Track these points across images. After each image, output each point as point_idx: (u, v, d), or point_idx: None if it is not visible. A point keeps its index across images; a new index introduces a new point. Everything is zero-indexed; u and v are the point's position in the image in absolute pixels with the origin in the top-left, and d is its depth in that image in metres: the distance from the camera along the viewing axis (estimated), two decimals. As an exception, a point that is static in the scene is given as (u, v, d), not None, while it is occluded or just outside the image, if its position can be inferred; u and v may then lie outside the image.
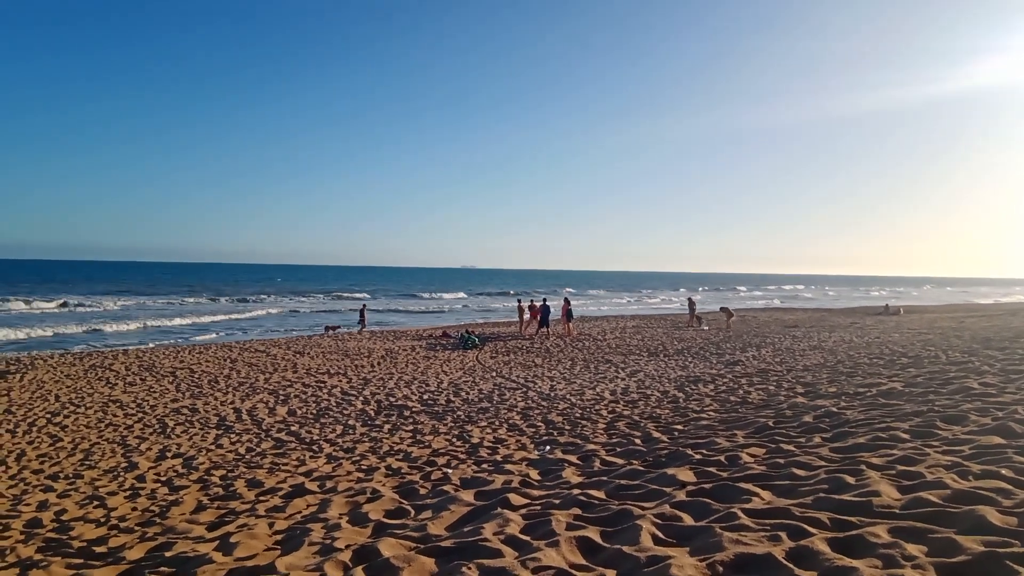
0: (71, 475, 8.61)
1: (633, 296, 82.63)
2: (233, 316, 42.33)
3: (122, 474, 8.55)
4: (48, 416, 12.39)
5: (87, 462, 9.27)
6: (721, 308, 34.56)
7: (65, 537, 5.99)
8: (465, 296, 75.37)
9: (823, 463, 5.57)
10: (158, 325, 35.46)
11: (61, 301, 48.49)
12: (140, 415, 12.45)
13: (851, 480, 4.79)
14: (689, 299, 36.17)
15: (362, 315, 33.14)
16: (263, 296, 64.87)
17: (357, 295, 69.75)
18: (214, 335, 31.09)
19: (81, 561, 5.13)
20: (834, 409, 8.34)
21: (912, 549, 3.45)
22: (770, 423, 7.95)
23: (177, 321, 37.55)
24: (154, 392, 14.85)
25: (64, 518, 6.72)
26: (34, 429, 11.39)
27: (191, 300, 57.08)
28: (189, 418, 12.09)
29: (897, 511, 4.06)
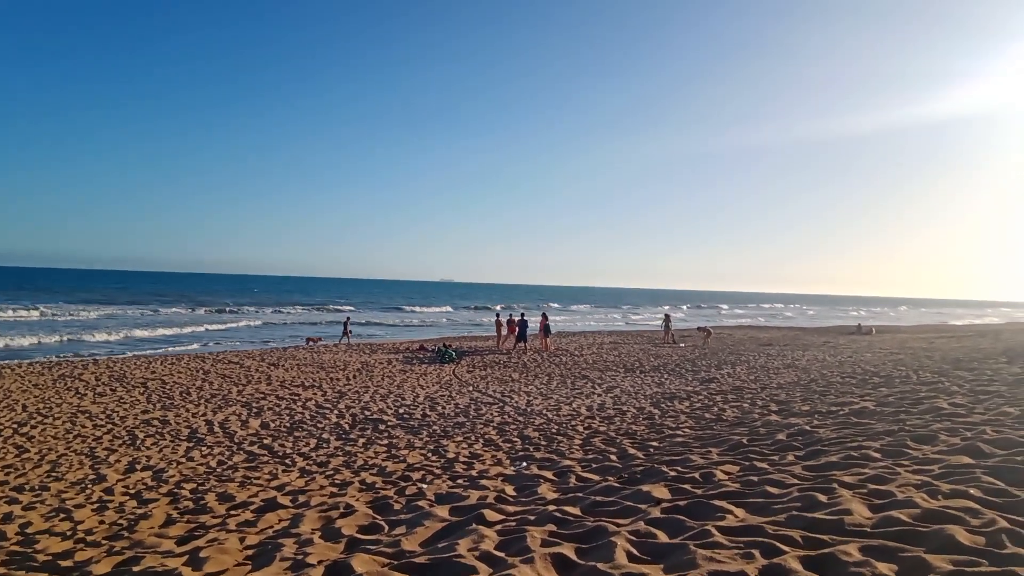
0: (37, 487, 8.42)
1: (613, 312, 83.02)
2: (212, 326, 42.06)
3: (90, 486, 8.39)
4: (14, 426, 12.13)
5: (54, 474, 9.08)
6: (699, 328, 34.83)
7: (30, 551, 5.86)
8: (451, 310, 75.03)
9: (796, 481, 5.61)
10: (143, 336, 35.12)
11: (38, 310, 47.70)
12: (109, 426, 12.24)
13: (823, 498, 4.83)
14: (666, 315, 36.42)
15: (346, 327, 33.07)
16: (243, 307, 64.12)
17: (340, 307, 69.30)
18: (196, 345, 30.76)
19: (46, 575, 5.02)
20: (807, 427, 8.42)
21: (882, 567, 3.48)
22: (744, 440, 8.01)
23: (160, 331, 37.15)
24: (124, 403, 14.61)
25: (29, 531, 6.58)
26: (-1, 439, 11.15)
27: (169, 310, 56.37)
28: (160, 430, 11.91)
29: (868, 529, 4.10)
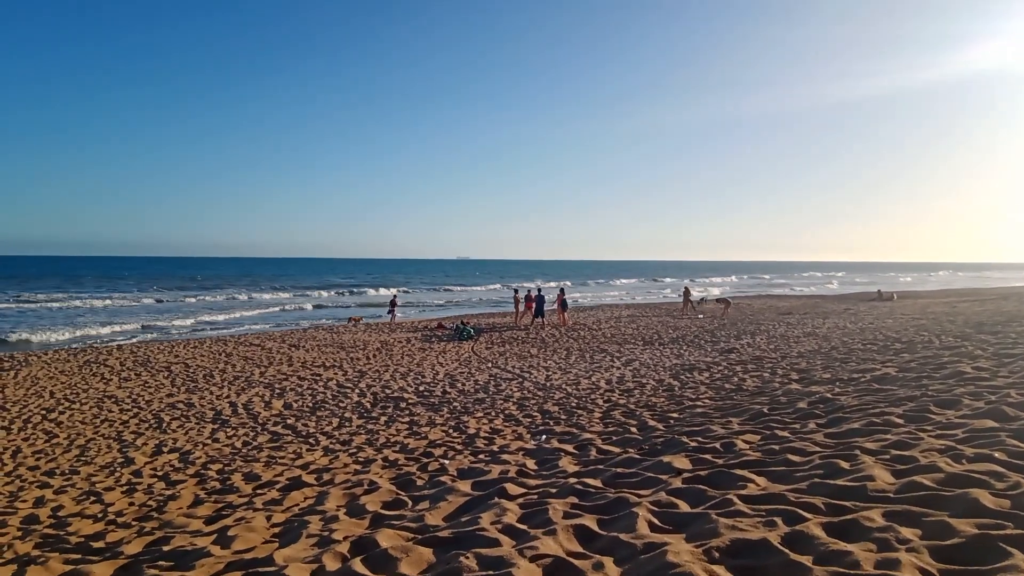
0: (67, 471, 8.59)
1: (631, 285, 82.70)
2: (266, 310, 43.58)
3: (118, 469, 8.55)
4: (43, 412, 12.36)
5: (83, 458, 9.25)
6: (717, 299, 34.68)
7: (63, 533, 6.00)
8: (499, 287, 74.39)
9: (818, 449, 5.60)
10: (210, 320, 36.29)
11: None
12: (136, 410, 12.43)
13: (846, 465, 4.82)
14: (685, 287, 36.24)
15: (392, 305, 33.44)
16: (275, 291, 64.90)
17: (358, 288, 69.42)
18: (265, 325, 32.28)
19: (79, 556, 5.13)
20: (828, 395, 8.38)
21: (906, 532, 3.48)
22: (765, 410, 7.99)
23: (239, 313, 39.47)
24: (149, 387, 14.82)
25: (61, 514, 6.72)
26: (29, 426, 11.36)
27: (230, 295, 57.83)
28: (185, 413, 12.08)
29: (891, 495, 4.09)
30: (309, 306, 47.63)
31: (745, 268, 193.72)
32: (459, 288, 75.21)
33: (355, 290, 68.00)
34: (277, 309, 44.59)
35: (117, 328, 30.97)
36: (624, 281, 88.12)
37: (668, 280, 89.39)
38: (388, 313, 33.01)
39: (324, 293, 63.03)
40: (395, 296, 36.69)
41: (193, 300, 52.14)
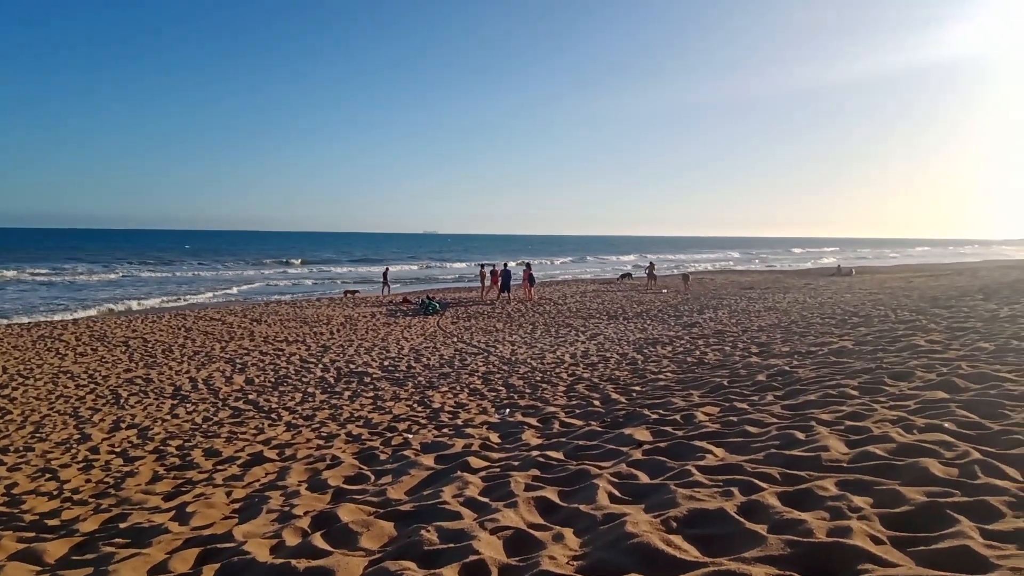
0: (21, 448, 8.39)
1: (596, 260, 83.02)
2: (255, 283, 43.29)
3: (75, 446, 8.38)
4: (-5, 389, 12.04)
5: (38, 435, 9.05)
6: (681, 273, 35.09)
7: (16, 511, 5.86)
8: (469, 263, 73.92)
9: (775, 420, 5.70)
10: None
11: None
12: (92, 386, 12.18)
13: (801, 436, 4.91)
14: (650, 263, 36.58)
15: (385, 277, 34.15)
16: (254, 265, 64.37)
17: (323, 265, 68.80)
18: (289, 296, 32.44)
19: (33, 534, 5.02)
20: (787, 368, 8.53)
21: (858, 501, 3.56)
22: (725, 382, 8.11)
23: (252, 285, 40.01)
24: (106, 362, 14.53)
25: (15, 492, 6.56)
26: (-19, 402, 11.07)
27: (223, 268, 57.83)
28: (143, 388, 11.87)
29: (845, 465, 4.18)
30: (284, 281, 46.99)
31: (720, 244, 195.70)
32: (426, 263, 74.89)
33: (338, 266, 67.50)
34: (261, 284, 44.27)
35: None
36: (592, 258, 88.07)
37: (626, 258, 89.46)
38: (383, 285, 33.50)
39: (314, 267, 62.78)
40: (387, 269, 37.04)
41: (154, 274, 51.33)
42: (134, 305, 29.25)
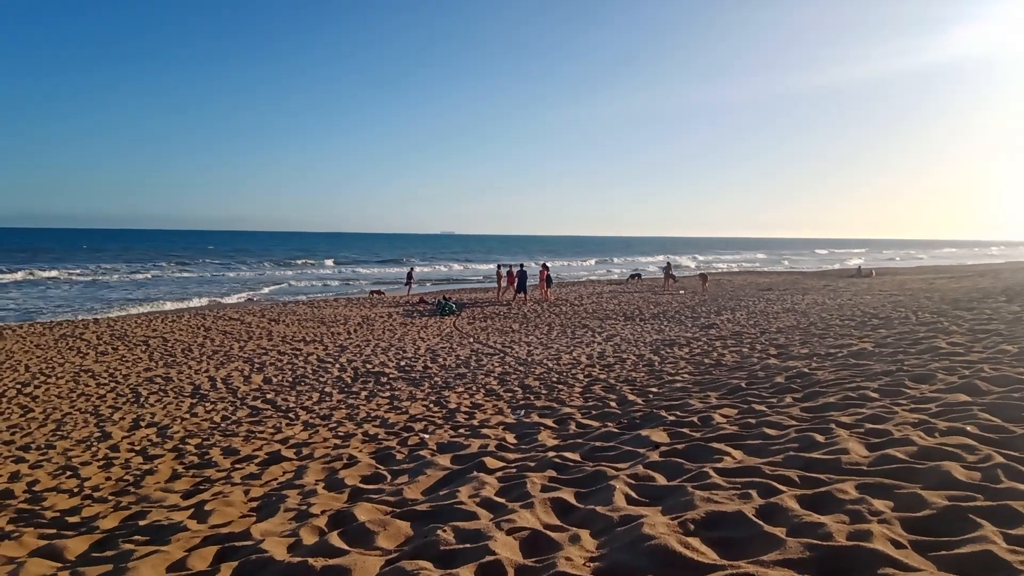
0: (43, 446, 8.50)
1: (613, 260, 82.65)
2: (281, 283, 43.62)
3: (95, 444, 8.47)
4: (18, 387, 12.20)
5: (59, 432, 9.16)
6: (699, 274, 34.93)
7: (38, 508, 5.94)
8: (488, 264, 73.78)
9: (794, 422, 5.65)
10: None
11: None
12: (113, 384, 12.31)
13: (821, 439, 4.86)
14: (667, 263, 36.42)
15: (409, 277, 34.39)
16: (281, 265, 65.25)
17: (342, 265, 69.18)
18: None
19: (54, 531, 5.08)
20: (805, 370, 8.46)
21: (879, 504, 3.52)
22: (743, 384, 8.05)
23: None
24: (126, 361, 14.68)
25: (36, 489, 6.65)
26: (3, 400, 11.22)
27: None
28: (163, 387, 11.98)
29: (865, 468, 4.14)
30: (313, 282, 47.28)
31: (746, 245, 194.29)
32: (444, 263, 75.03)
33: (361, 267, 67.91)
34: (298, 283, 44.84)
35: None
36: (618, 260, 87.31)
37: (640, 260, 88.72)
38: (405, 285, 33.77)
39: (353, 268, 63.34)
40: (412, 269, 37.34)
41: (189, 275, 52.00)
42: (181, 305, 29.77)
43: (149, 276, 48.59)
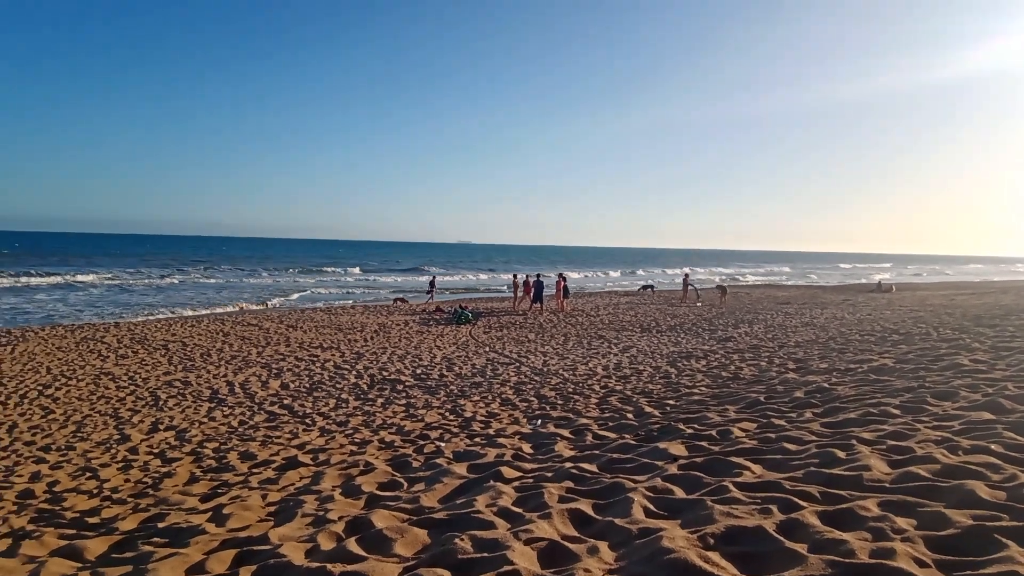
0: (63, 447, 8.59)
1: (629, 272, 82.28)
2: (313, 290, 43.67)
3: (115, 446, 8.55)
4: (40, 388, 12.35)
5: (79, 434, 9.25)
6: (717, 286, 34.77)
7: (58, 508, 6.00)
8: (499, 274, 73.98)
9: (814, 438, 5.60)
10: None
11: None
12: (132, 388, 12.43)
13: (842, 455, 4.81)
14: (685, 275, 36.30)
15: (431, 286, 35.02)
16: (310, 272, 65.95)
17: (360, 273, 69.56)
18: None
19: (74, 531, 5.13)
20: (825, 385, 8.38)
21: (902, 522, 3.47)
22: (761, 398, 7.99)
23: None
24: (146, 365, 14.82)
25: (57, 489, 6.72)
26: (25, 401, 11.36)
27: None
28: (181, 391, 12.07)
29: (887, 485, 4.09)
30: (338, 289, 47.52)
31: (769, 258, 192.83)
32: (459, 272, 75.15)
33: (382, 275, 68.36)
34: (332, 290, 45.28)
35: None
36: (642, 272, 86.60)
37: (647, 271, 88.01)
38: (427, 294, 34.29)
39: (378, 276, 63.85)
40: (433, 278, 37.67)
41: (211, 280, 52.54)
42: (206, 311, 30.03)
43: (175, 281, 49.15)
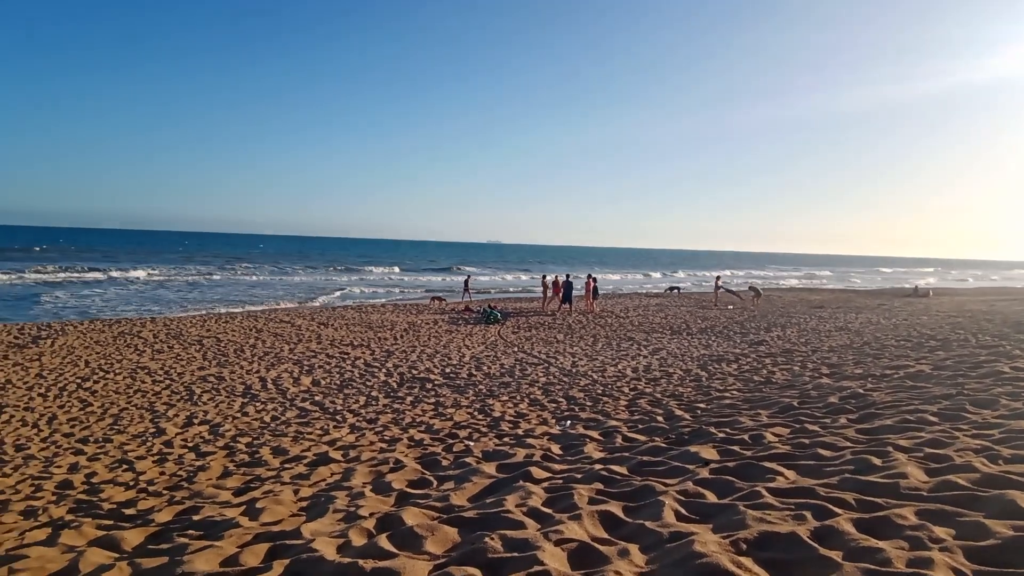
0: (101, 439, 8.78)
1: (659, 274, 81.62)
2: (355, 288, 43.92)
3: (150, 439, 8.72)
4: (78, 381, 12.64)
5: (116, 427, 9.45)
6: (750, 287, 34.39)
7: (96, 499, 6.13)
8: (530, 274, 74.04)
9: (849, 444, 5.52)
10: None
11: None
12: (168, 382, 12.66)
13: (878, 462, 4.74)
14: (716, 278, 35.98)
15: (466, 285, 35.42)
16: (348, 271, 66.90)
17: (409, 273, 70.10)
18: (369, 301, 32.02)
19: (111, 523, 5.24)
20: (860, 390, 8.25)
21: (940, 532, 3.41)
22: (795, 403, 7.89)
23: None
24: (181, 360, 15.08)
25: (94, 481, 6.88)
26: (65, 393, 11.64)
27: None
28: (215, 386, 12.27)
29: (925, 494, 4.01)
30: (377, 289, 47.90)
31: (808, 261, 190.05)
32: (495, 272, 75.37)
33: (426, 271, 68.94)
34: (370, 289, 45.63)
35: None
36: (682, 273, 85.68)
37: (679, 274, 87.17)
38: (464, 292, 34.55)
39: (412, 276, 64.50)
40: (468, 278, 37.93)
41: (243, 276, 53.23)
42: (271, 305, 30.76)
43: (217, 277, 49.87)
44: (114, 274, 47.76)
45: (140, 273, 49.43)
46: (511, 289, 49.44)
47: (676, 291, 41.30)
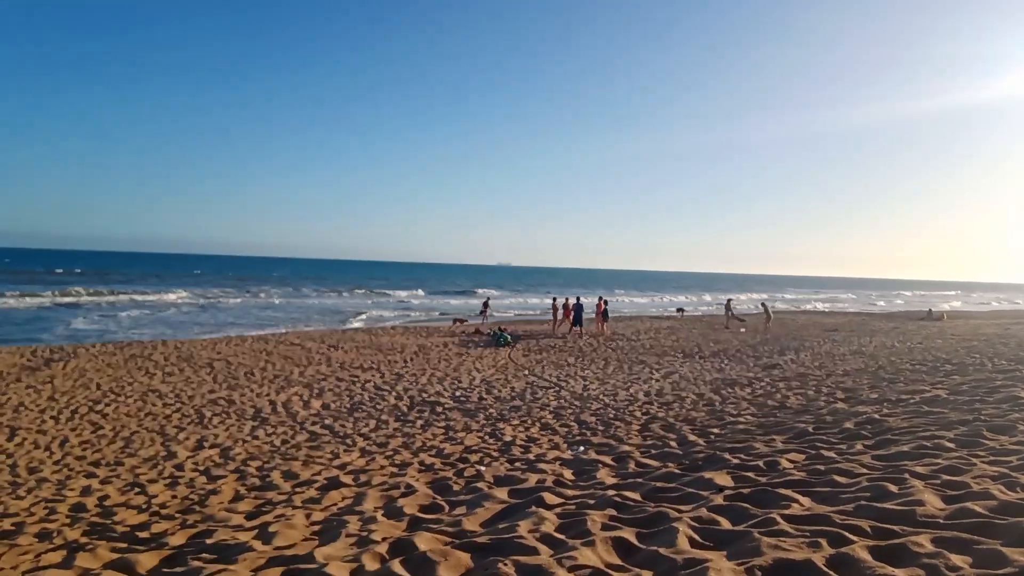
0: (112, 462, 8.81)
1: (671, 296, 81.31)
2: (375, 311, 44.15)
3: (161, 463, 8.74)
4: (90, 404, 12.70)
5: (127, 450, 9.48)
6: (762, 303, 34.36)
7: (109, 522, 6.14)
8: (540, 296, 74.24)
9: (865, 471, 5.47)
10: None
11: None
12: (178, 405, 12.70)
13: (894, 488, 4.69)
14: (727, 300, 35.88)
15: (485, 307, 35.58)
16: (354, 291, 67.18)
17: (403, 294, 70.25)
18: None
19: (125, 545, 5.24)
20: (876, 416, 8.18)
21: (956, 560, 3.37)
22: (810, 429, 7.83)
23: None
24: (192, 383, 15.13)
25: (107, 503, 6.90)
26: (76, 416, 11.69)
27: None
28: (226, 409, 12.30)
29: (941, 521, 3.97)
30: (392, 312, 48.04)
31: (829, 284, 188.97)
32: (498, 294, 75.38)
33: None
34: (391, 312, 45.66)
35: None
36: (708, 296, 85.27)
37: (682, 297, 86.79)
38: (480, 314, 34.75)
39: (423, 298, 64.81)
40: (488, 299, 38.09)
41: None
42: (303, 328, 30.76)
43: (235, 302, 49.88)
44: (135, 297, 48.11)
45: (154, 297, 49.69)
46: (512, 312, 49.49)
47: (681, 312, 42.46)
